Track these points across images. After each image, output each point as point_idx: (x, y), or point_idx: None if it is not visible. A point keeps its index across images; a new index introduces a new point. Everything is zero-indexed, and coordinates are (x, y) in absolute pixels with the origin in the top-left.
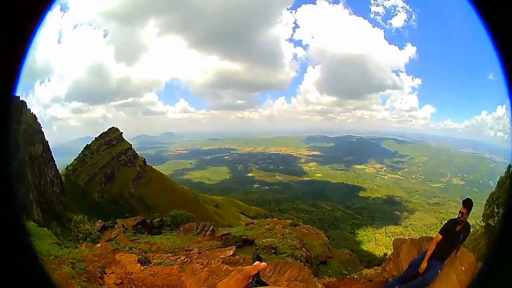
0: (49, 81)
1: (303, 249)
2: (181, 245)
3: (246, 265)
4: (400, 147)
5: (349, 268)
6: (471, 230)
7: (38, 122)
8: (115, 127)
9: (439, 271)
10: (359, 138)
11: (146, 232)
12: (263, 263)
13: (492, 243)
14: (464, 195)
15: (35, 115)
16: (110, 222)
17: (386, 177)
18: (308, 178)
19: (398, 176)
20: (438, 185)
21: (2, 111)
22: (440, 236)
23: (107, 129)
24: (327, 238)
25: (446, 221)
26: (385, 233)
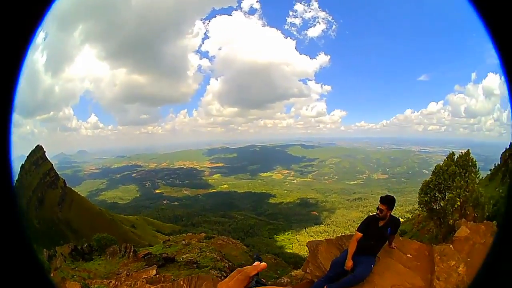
0: None
1: (224, 260)
2: (112, 269)
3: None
4: (308, 151)
5: (278, 272)
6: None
7: None
8: (40, 144)
9: (372, 265)
10: (263, 146)
11: (81, 259)
12: (263, 263)
13: (492, 243)
14: (390, 187)
15: None
16: (52, 250)
17: (295, 181)
18: (215, 190)
19: (309, 179)
20: (356, 182)
21: (2, 111)
22: (360, 234)
23: (34, 147)
24: (246, 247)
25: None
26: (306, 234)
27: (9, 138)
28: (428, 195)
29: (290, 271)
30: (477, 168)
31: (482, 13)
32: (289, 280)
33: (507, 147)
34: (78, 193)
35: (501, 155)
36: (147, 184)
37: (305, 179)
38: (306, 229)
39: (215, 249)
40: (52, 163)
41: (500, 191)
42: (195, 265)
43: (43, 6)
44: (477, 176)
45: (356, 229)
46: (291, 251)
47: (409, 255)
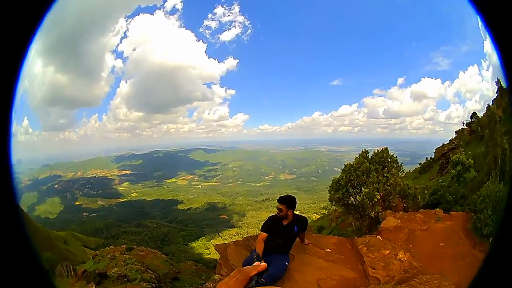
0: None
1: (149, 271)
2: None
3: None
4: (210, 156)
5: (203, 277)
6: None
7: None
8: None
9: (286, 263)
10: (166, 152)
11: None
12: (263, 263)
13: (492, 243)
14: (299, 186)
15: None
16: None
17: (200, 186)
18: (126, 199)
19: (213, 183)
20: (261, 183)
21: (2, 111)
22: (264, 234)
23: None
24: (165, 255)
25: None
26: (220, 238)
27: (9, 138)
28: (340, 191)
29: (213, 276)
30: (400, 163)
31: (482, 13)
32: (214, 285)
33: (444, 143)
34: (22, 209)
35: (436, 150)
36: (67, 196)
37: (210, 183)
38: (220, 233)
39: (138, 260)
40: None
41: (440, 180)
42: (125, 279)
43: (43, 6)
44: (400, 170)
45: (260, 229)
46: (209, 256)
47: (328, 250)
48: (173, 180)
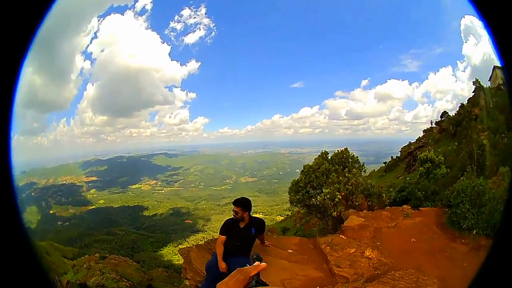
0: None
1: (123, 279)
2: None
3: None
4: (172, 160)
5: (175, 284)
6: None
7: None
8: None
9: (247, 265)
10: (129, 157)
11: None
12: (263, 263)
13: (491, 243)
14: (261, 188)
15: None
16: None
17: (163, 191)
18: (94, 207)
19: (176, 188)
20: (223, 187)
21: (2, 111)
22: (223, 237)
23: None
24: (136, 263)
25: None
26: (187, 243)
27: (9, 139)
28: (300, 193)
29: (184, 281)
30: (362, 163)
31: (482, 13)
32: None
33: (411, 141)
34: None
35: (402, 148)
36: (43, 204)
37: (173, 188)
38: (186, 238)
39: (112, 269)
40: None
41: (408, 178)
42: None
43: (43, 6)
44: (363, 170)
45: (219, 232)
46: (179, 262)
47: (290, 250)
48: (137, 186)
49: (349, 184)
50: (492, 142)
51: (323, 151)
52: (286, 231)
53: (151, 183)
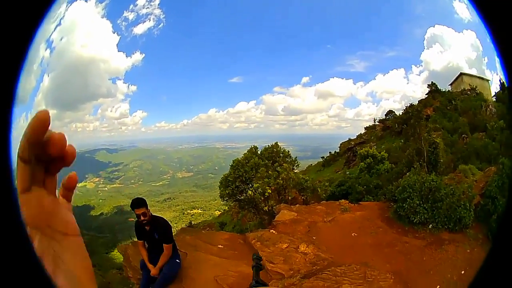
0: None
1: None
2: None
3: None
4: (112, 156)
5: (130, 285)
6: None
7: None
8: None
9: (178, 261)
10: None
11: None
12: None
13: (491, 243)
14: (197, 183)
15: None
16: None
17: (106, 188)
18: None
19: (117, 185)
20: (161, 183)
21: (2, 111)
22: (140, 241)
23: None
24: (93, 266)
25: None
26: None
27: (9, 139)
28: (229, 187)
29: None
30: (294, 157)
31: (483, 13)
32: None
33: (351, 138)
34: None
35: (341, 144)
36: None
37: (114, 186)
38: (133, 237)
39: None
40: None
41: (348, 172)
42: None
43: (43, 7)
44: (295, 164)
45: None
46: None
47: (220, 246)
48: (83, 184)
49: (280, 178)
50: (448, 141)
51: (253, 146)
52: (224, 226)
53: (95, 180)
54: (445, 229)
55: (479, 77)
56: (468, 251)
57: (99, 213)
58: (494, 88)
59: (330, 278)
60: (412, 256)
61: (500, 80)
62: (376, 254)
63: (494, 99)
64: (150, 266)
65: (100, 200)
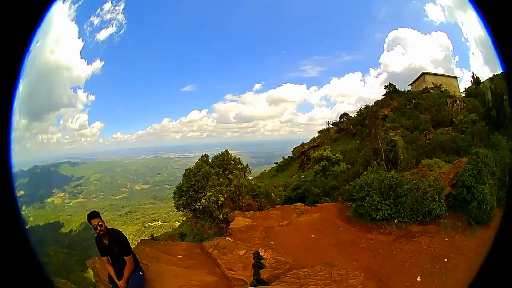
0: None
1: None
2: None
3: None
4: (74, 169)
5: None
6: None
7: None
8: None
9: (141, 273)
10: (43, 167)
11: None
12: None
13: (491, 243)
14: (155, 195)
15: None
16: None
17: (71, 204)
18: (29, 226)
19: (81, 200)
20: (121, 196)
21: (2, 111)
22: (104, 257)
23: None
24: (74, 285)
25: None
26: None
27: (9, 138)
28: (183, 197)
29: None
30: (246, 164)
31: (482, 13)
32: None
33: (304, 142)
34: None
35: (294, 149)
36: None
37: (79, 200)
38: None
39: None
40: None
41: (302, 176)
42: None
43: (43, 7)
44: (247, 170)
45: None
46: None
47: (179, 256)
48: (51, 199)
49: (232, 185)
50: (409, 138)
51: (204, 154)
52: (184, 237)
53: (60, 195)
54: (413, 222)
55: (445, 75)
56: (447, 239)
57: (68, 229)
58: (465, 84)
59: (294, 281)
60: (381, 251)
61: (472, 76)
62: (340, 254)
63: (463, 95)
64: (118, 282)
65: (68, 216)
